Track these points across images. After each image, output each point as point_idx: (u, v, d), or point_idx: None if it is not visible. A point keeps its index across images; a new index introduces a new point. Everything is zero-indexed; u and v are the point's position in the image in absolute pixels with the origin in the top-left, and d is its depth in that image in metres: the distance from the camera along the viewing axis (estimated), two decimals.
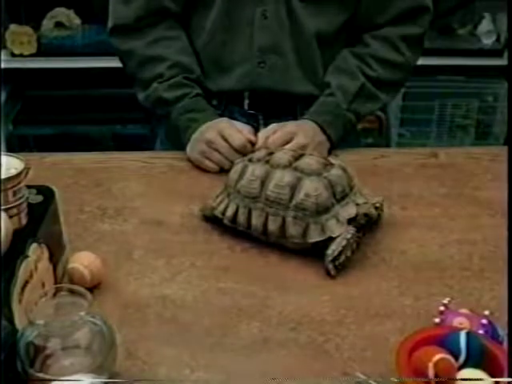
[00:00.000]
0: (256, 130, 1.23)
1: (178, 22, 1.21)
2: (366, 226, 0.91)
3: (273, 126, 1.14)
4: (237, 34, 1.16)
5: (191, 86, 1.19)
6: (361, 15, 1.19)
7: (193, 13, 1.19)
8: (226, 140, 1.11)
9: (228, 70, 1.19)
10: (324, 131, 1.16)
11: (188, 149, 1.16)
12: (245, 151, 1.09)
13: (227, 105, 1.23)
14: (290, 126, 1.14)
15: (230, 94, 1.22)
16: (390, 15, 1.18)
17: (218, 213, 0.93)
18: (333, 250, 0.85)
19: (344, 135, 1.19)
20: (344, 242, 0.85)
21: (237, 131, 1.12)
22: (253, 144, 1.11)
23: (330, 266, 0.85)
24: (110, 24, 1.21)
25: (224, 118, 1.17)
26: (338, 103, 1.18)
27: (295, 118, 1.22)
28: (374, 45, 1.20)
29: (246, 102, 1.21)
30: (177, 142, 1.19)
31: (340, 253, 0.85)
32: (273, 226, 0.88)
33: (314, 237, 0.87)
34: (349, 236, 0.86)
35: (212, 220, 0.95)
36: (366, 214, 0.89)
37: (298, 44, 1.17)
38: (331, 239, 0.86)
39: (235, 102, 1.22)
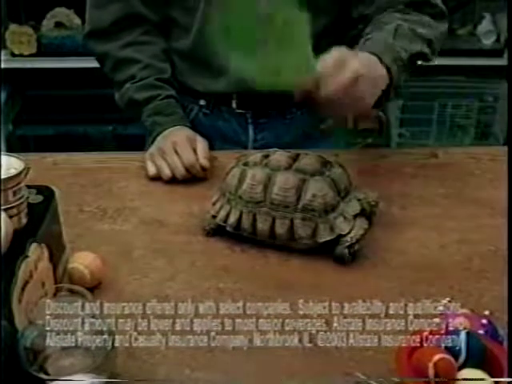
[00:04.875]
0: (245, 129, 1.23)
1: (156, 27, 1.21)
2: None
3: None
4: None
5: (162, 87, 1.18)
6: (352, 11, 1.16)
7: (176, 16, 1.19)
8: (177, 154, 1.08)
9: (217, 73, 1.18)
10: (380, 60, 1.00)
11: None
12: (191, 171, 1.07)
13: (215, 105, 1.23)
14: (341, 51, 0.94)
15: (218, 95, 1.22)
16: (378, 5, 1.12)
17: (219, 220, 0.92)
18: (351, 237, 0.86)
19: (399, 75, 1.04)
20: (361, 231, 0.87)
21: (190, 150, 1.08)
22: (204, 169, 1.07)
23: (346, 251, 0.86)
24: (86, 29, 1.23)
25: (186, 130, 1.14)
26: (384, 37, 1.06)
27: (284, 116, 1.22)
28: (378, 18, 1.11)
29: (235, 102, 1.21)
30: None
31: (357, 240, 0.86)
32: (281, 229, 0.88)
33: (324, 236, 0.87)
34: (366, 226, 0.87)
35: (218, 232, 0.94)
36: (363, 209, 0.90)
37: None
38: (340, 237, 0.87)
39: (223, 102, 1.22)
